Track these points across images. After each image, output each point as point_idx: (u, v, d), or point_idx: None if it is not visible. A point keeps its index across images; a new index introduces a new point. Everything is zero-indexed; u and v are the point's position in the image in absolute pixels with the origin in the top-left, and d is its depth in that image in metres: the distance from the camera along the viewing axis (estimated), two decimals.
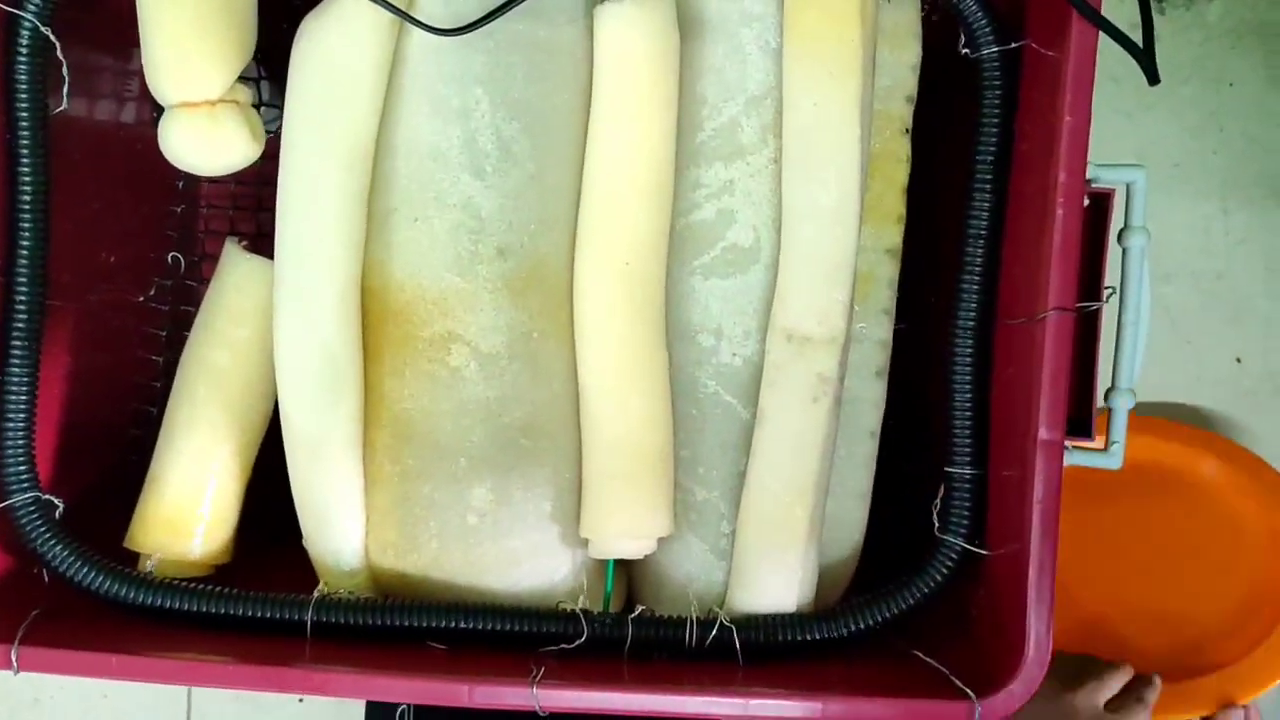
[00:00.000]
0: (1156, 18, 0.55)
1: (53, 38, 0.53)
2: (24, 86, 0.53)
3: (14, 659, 0.50)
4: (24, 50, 0.53)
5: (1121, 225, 0.54)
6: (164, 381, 0.69)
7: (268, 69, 0.68)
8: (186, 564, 0.58)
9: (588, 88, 0.56)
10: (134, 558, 0.59)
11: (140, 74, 0.66)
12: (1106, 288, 0.52)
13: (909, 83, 0.57)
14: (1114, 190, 0.53)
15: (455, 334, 0.55)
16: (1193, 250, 0.83)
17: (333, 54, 0.54)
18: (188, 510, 0.58)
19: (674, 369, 0.57)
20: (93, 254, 0.63)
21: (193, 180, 0.70)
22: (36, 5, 0.52)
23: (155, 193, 0.70)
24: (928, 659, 0.52)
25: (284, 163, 0.55)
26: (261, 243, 0.70)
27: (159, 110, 0.68)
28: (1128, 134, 0.80)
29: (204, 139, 0.55)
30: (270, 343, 0.57)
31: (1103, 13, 0.50)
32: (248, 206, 0.71)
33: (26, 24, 0.53)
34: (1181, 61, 0.79)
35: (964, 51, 0.54)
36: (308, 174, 0.54)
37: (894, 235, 0.58)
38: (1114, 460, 0.54)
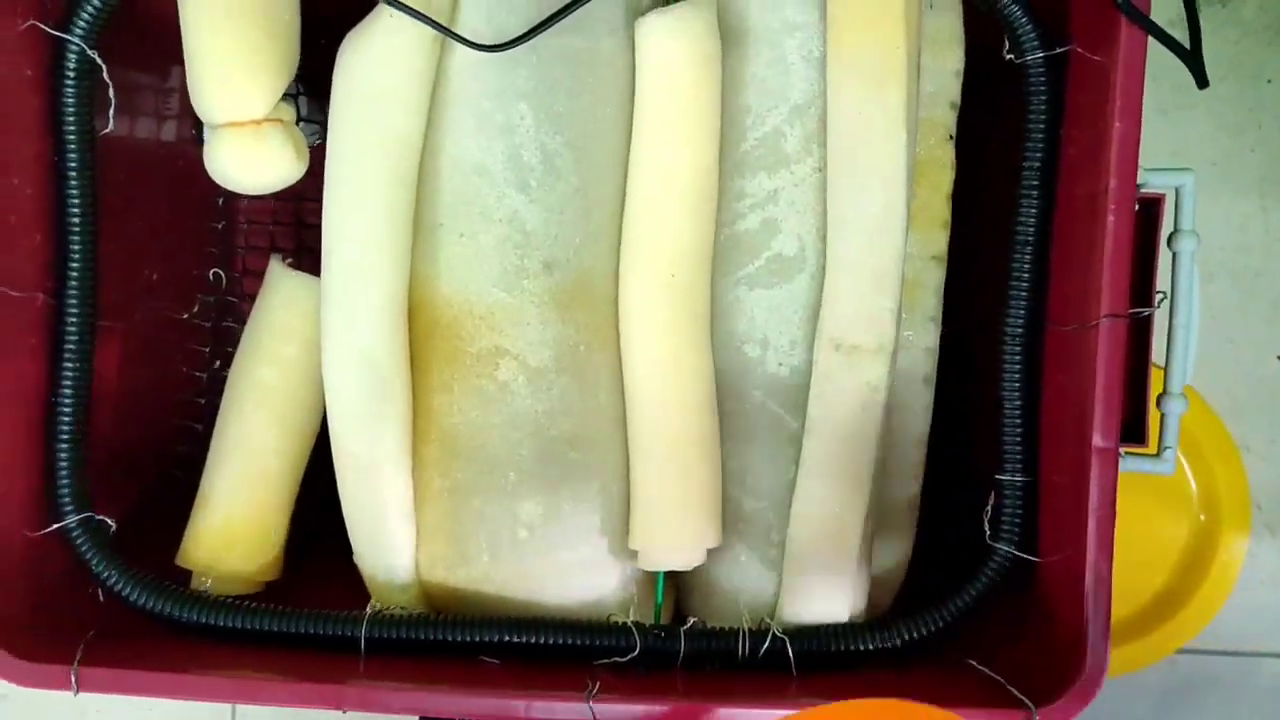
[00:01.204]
0: None
1: (99, 60, 0.54)
2: (71, 109, 0.53)
3: (74, 680, 0.51)
4: (71, 73, 0.53)
5: (1171, 229, 0.53)
6: (208, 398, 0.70)
7: (305, 84, 0.68)
8: (238, 581, 0.58)
9: (630, 100, 0.56)
10: (184, 574, 0.60)
11: (179, 91, 0.67)
12: (1158, 292, 0.52)
13: (952, 89, 0.57)
14: (1164, 195, 0.52)
15: (503, 349, 0.55)
16: (1231, 249, 0.82)
17: (377, 70, 0.54)
18: (239, 528, 0.58)
19: (720, 379, 0.57)
20: (137, 272, 0.63)
21: (232, 196, 0.71)
22: (83, 29, 0.53)
23: (196, 210, 0.70)
24: (983, 668, 0.52)
25: (329, 179, 0.55)
26: (302, 258, 0.71)
27: (198, 127, 0.69)
28: (1165, 133, 0.79)
29: (250, 158, 0.56)
30: (317, 359, 0.57)
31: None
32: (288, 222, 0.71)
33: (74, 47, 0.53)
34: (1219, 59, 0.79)
35: (1008, 57, 0.54)
36: (354, 190, 0.55)
37: (940, 242, 0.58)
38: (1167, 466, 0.53)
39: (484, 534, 0.55)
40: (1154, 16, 0.50)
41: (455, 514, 0.56)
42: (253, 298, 0.66)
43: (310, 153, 0.59)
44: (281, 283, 0.61)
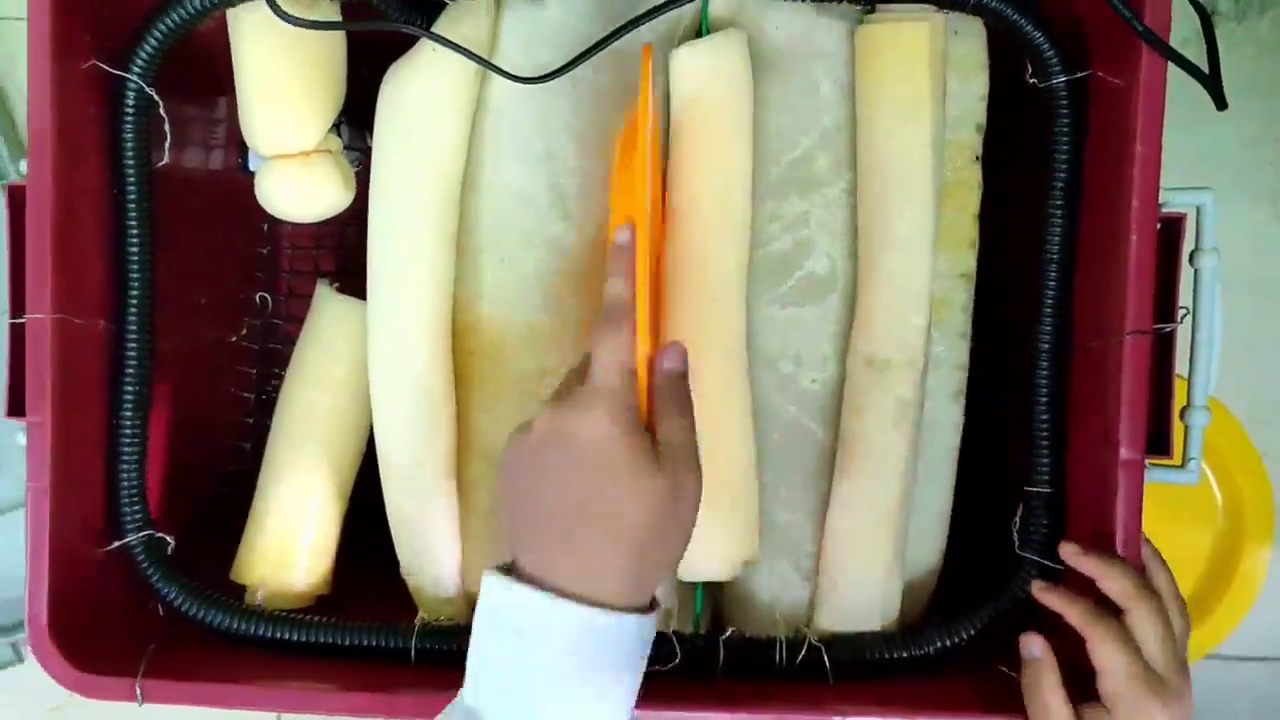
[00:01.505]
0: (1212, 23, 0.57)
1: (156, 97, 0.56)
2: (130, 144, 0.56)
3: (139, 692, 0.53)
4: (130, 110, 0.55)
5: (1192, 247, 0.55)
6: (256, 417, 0.72)
7: (346, 112, 0.70)
8: (291, 595, 0.60)
9: (665, 127, 0.57)
10: (236, 588, 0.62)
11: (225, 122, 0.69)
12: (1180, 308, 0.53)
13: (978, 111, 0.58)
14: (1185, 215, 0.54)
15: (544, 368, 0.57)
16: (1250, 259, 0.84)
17: (420, 102, 0.56)
18: (291, 544, 0.60)
19: (755, 395, 0.58)
20: (187, 297, 0.65)
21: (276, 221, 0.72)
22: (141, 67, 0.55)
23: (242, 235, 0.72)
24: (1014, 674, 0.54)
25: (374, 207, 0.57)
26: (345, 279, 0.72)
27: (243, 155, 0.71)
28: (1183, 146, 0.80)
29: (300, 188, 0.58)
30: (363, 380, 0.59)
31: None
32: (330, 245, 0.73)
33: (132, 85, 0.55)
34: (1236, 75, 0.80)
35: (1031, 81, 0.56)
36: (398, 218, 0.57)
37: (968, 260, 0.59)
38: (1191, 476, 0.55)
39: None
40: (1170, 33, 0.51)
41: (499, 528, 0.57)
42: (297, 320, 0.69)
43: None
44: (329, 306, 0.63)
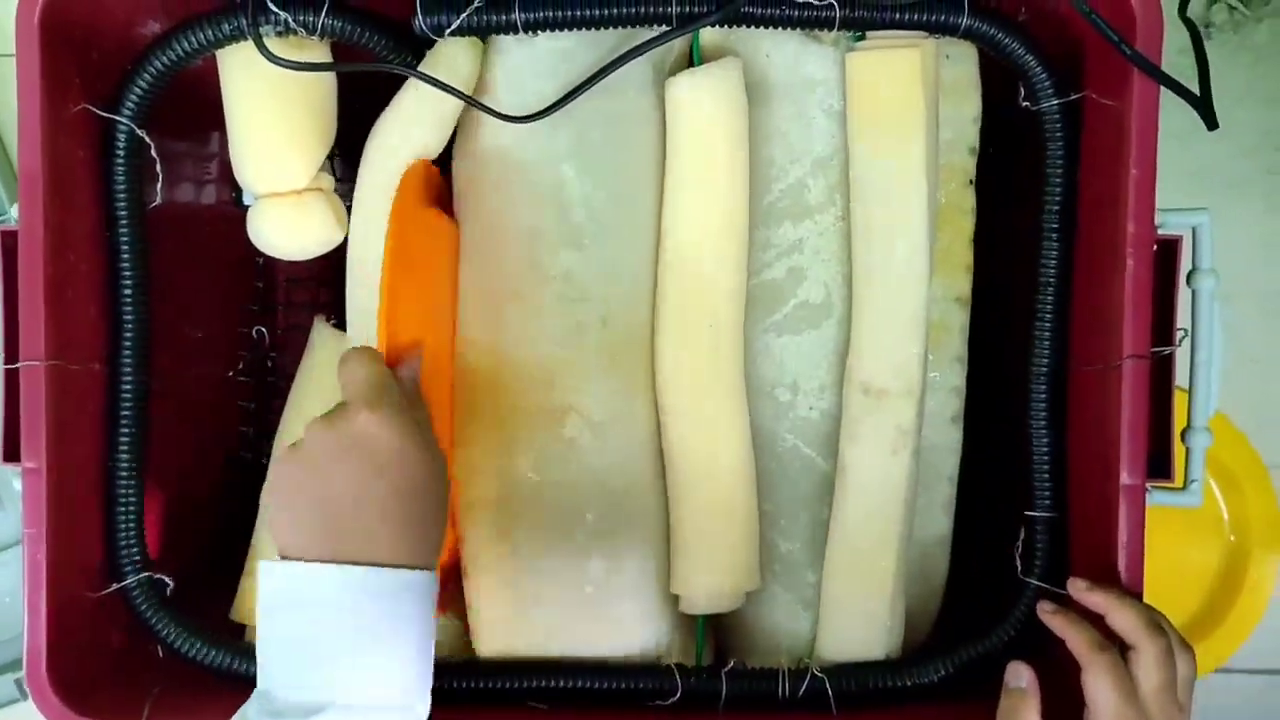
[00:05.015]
0: (1203, 43, 0.57)
1: (147, 138, 0.56)
2: (122, 187, 0.55)
3: None
4: (121, 153, 0.55)
5: (1189, 268, 0.55)
6: (253, 454, 0.72)
7: (338, 146, 0.70)
8: None
9: (662, 157, 0.57)
10: (236, 627, 0.61)
11: (219, 156, 0.69)
12: (1179, 329, 0.53)
13: (971, 135, 0.58)
14: (1181, 236, 0.53)
15: (568, 405, 0.56)
16: (1253, 268, 0.83)
17: (401, 150, 0.56)
18: None
19: (753, 424, 0.58)
20: (184, 335, 0.65)
21: (272, 256, 0.72)
22: (131, 109, 0.55)
23: (237, 269, 0.72)
24: None
25: (351, 254, 0.57)
26: (342, 312, 0.72)
27: (237, 190, 0.71)
28: (1181, 157, 0.80)
29: (292, 227, 0.58)
30: None
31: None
32: (327, 278, 0.73)
33: (123, 127, 0.55)
34: (1233, 85, 0.80)
35: (1024, 104, 0.55)
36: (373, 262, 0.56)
37: (963, 284, 0.59)
38: (1193, 499, 0.54)
39: (549, 593, 0.56)
40: (1162, 55, 0.51)
41: (517, 577, 0.56)
42: (294, 353, 0.68)
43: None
44: (325, 342, 0.63)
